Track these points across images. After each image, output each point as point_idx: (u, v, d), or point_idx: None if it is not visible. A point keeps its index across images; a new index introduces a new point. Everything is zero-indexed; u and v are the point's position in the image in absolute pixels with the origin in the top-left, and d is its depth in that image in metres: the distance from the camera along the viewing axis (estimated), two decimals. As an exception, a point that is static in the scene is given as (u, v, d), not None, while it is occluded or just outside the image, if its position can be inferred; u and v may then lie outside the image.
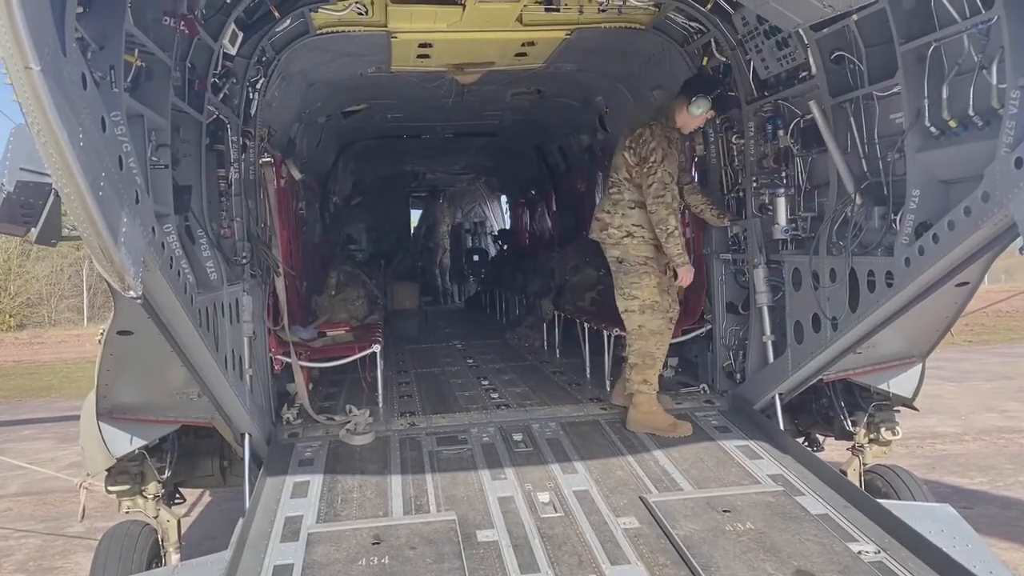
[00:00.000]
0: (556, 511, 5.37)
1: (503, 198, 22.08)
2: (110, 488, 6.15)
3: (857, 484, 6.50)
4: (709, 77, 7.12)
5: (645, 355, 7.02)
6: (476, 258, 22.15)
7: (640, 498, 5.49)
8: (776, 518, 5.11)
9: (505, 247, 19.85)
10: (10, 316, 33.80)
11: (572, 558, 4.75)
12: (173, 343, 4.55)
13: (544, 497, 5.55)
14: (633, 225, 7.03)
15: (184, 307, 4.38)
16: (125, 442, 5.81)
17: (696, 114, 6.88)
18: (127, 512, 6.34)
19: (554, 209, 15.57)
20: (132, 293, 3.59)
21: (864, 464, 6.98)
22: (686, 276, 6.97)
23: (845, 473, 6.63)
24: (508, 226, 21.22)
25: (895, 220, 5.34)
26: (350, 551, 4.76)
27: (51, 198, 4.10)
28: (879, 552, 4.67)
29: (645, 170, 6.86)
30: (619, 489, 5.68)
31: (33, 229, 4.23)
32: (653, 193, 6.82)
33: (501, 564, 4.67)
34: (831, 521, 5.09)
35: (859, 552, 4.66)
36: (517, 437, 6.70)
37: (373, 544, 4.82)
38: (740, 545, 4.76)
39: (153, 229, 3.94)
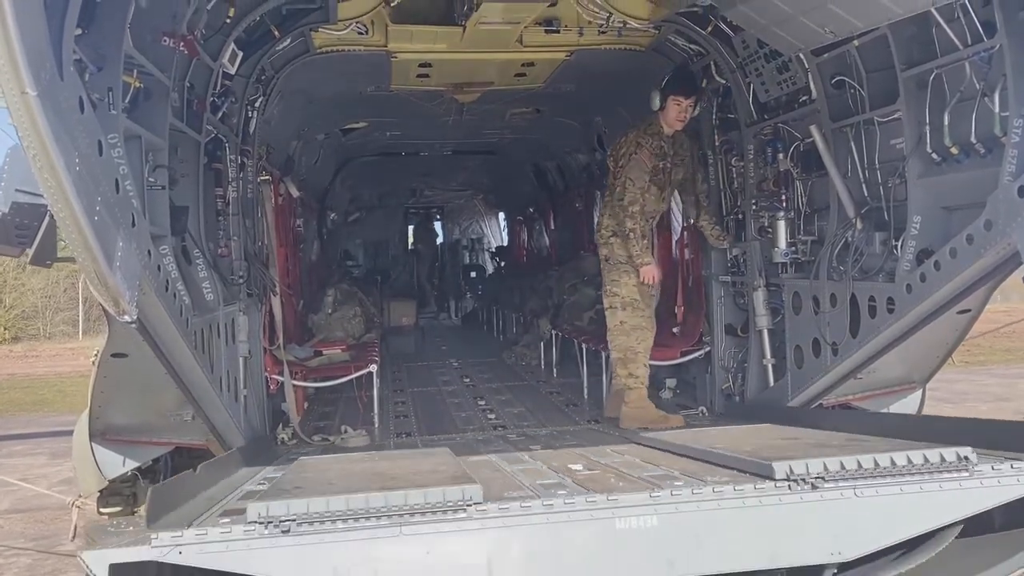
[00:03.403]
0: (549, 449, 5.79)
1: (501, 215, 22.07)
2: (102, 510, 6.09)
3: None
4: (674, 74, 7.20)
5: (626, 349, 7.16)
6: (473, 275, 22.10)
7: (632, 442, 5.84)
8: (770, 432, 5.36)
9: (502, 264, 19.82)
10: (5, 329, 33.65)
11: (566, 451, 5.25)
12: (168, 366, 4.50)
13: (536, 447, 5.94)
14: (618, 226, 7.18)
15: (179, 330, 4.34)
16: (118, 464, 5.76)
17: (653, 108, 7.09)
18: (119, 534, 6.26)
19: (552, 227, 15.56)
20: (127, 317, 3.55)
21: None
22: (646, 274, 7.06)
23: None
24: (506, 243, 21.20)
25: (896, 246, 5.31)
26: (339, 457, 5.24)
27: (46, 219, 4.07)
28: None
29: (616, 173, 7.20)
30: (611, 443, 6.04)
31: (28, 250, 4.20)
32: (616, 196, 7.16)
33: (496, 462, 4.97)
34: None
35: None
36: (512, 436, 7.02)
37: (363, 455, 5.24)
38: (731, 434, 5.14)
39: (149, 252, 3.90)
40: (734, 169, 7.27)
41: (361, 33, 6.80)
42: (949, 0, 4.39)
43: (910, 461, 3.73)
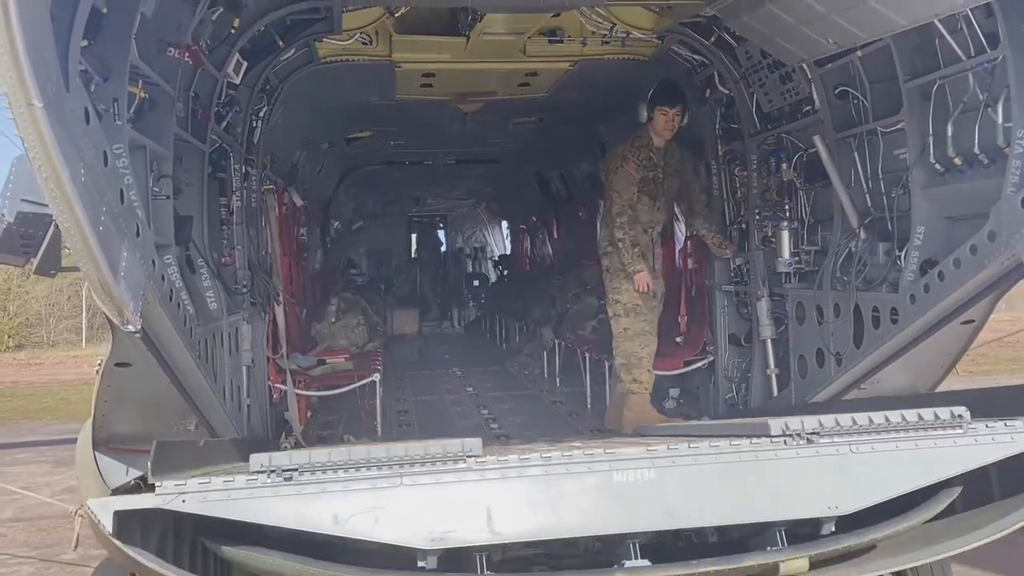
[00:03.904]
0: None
1: (504, 224, 22.09)
2: (105, 519, 6.06)
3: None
4: (658, 86, 7.29)
5: (630, 354, 7.22)
6: (476, 283, 22.08)
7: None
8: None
9: (505, 273, 19.82)
10: (8, 336, 33.68)
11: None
12: (172, 375, 4.49)
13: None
14: (611, 236, 7.31)
15: (183, 339, 4.34)
16: (121, 473, 5.71)
17: (641, 120, 7.24)
18: (122, 543, 6.24)
19: (555, 236, 15.58)
20: (131, 327, 3.54)
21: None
22: (639, 281, 7.14)
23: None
24: (508, 252, 21.20)
25: (900, 256, 5.31)
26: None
27: (51, 229, 4.06)
28: None
29: (606, 187, 7.38)
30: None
31: (33, 259, 4.19)
32: (604, 209, 7.34)
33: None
34: None
35: None
36: (515, 443, 6.98)
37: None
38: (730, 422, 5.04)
39: (153, 262, 3.90)
40: (737, 179, 7.28)
41: (365, 43, 6.83)
42: (952, 11, 4.40)
43: (904, 419, 3.76)
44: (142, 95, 4.38)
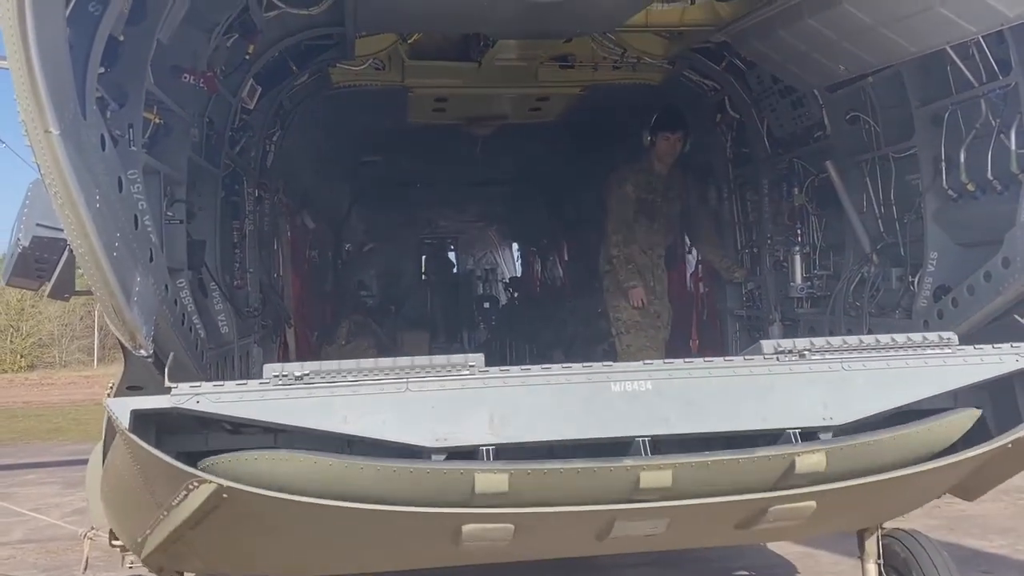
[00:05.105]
0: None
1: (515, 246, 22.10)
2: (114, 542, 6.04)
3: (874, 549, 6.33)
4: (660, 112, 7.40)
5: None
6: (487, 305, 22.04)
7: None
8: None
9: (516, 296, 19.80)
10: (21, 356, 33.86)
11: None
12: (182, 399, 4.49)
13: None
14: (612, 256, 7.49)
15: (195, 363, 4.34)
16: (131, 495, 5.72)
17: (644, 145, 7.35)
18: (131, 567, 6.22)
19: (566, 259, 15.57)
20: (143, 352, 3.55)
21: (881, 528, 6.80)
22: (634, 296, 7.27)
23: (862, 538, 6.45)
24: (519, 274, 21.19)
25: (913, 282, 5.28)
26: None
27: (66, 253, 4.08)
28: None
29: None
30: None
31: (47, 283, 4.21)
32: (603, 229, 7.41)
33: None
34: None
35: None
36: None
37: None
38: None
39: (166, 286, 3.91)
40: (749, 203, 7.30)
41: (378, 69, 6.90)
42: (964, 39, 4.40)
43: (894, 340, 3.86)
44: (157, 121, 4.42)
